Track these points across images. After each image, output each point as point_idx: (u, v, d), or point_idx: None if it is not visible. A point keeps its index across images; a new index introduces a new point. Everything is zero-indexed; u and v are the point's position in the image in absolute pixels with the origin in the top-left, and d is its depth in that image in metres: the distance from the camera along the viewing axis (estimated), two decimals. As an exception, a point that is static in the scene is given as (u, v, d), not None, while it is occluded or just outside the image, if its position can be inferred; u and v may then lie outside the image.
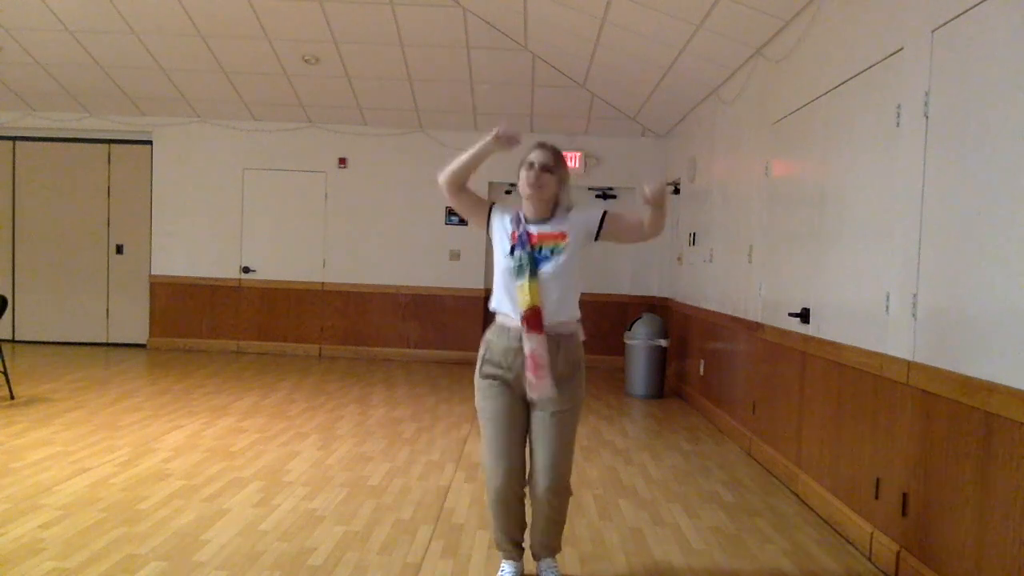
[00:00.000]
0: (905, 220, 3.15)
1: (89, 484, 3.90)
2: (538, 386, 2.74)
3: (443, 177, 2.88)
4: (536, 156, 2.83)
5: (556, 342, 2.79)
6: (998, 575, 2.50)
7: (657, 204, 2.74)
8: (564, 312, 2.81)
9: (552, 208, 2.86)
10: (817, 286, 4.10)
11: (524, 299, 2.74)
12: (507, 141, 2.76)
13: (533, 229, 2.82)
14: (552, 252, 2.80)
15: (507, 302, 2.80)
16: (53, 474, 4.04)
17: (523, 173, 2.84)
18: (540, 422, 2.82)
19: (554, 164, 2.83)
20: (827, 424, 3.90)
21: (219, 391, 6.59)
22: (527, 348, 2.73)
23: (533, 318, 2.73)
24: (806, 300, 4.22)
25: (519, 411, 2.84)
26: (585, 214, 2.88)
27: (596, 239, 2.88)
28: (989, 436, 2.56)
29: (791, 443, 4.40)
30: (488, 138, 2.77)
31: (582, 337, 2.91)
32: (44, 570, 2.87)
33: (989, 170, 2.63)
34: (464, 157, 2.83)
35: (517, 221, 2.84)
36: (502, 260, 2.82)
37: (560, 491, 2.85)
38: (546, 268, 2.77)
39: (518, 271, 2.76)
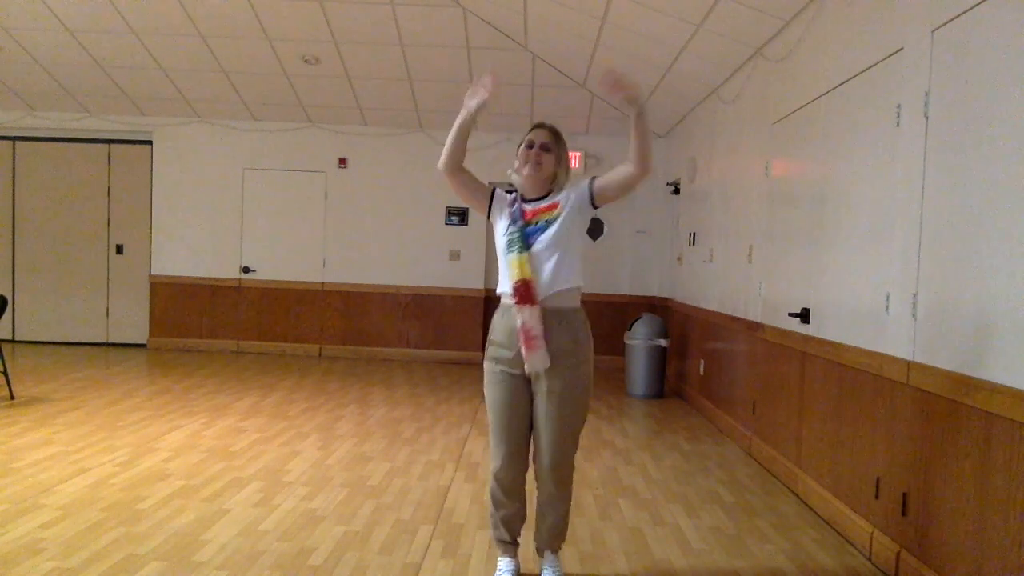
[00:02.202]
0: (905, 220, 3.15)
1: (89, 484, 3.90)
2: (530, 356, 2.74)
3: (441, 159, 2.90)
4: (535, 136, 2.88)
5: (557, 316, 2.78)
6: (998, 575, 2.50)
7: (627, 96, 2.60)
8: (560, 281, 2.78)
9: (549, 188, 2.90)
10: (817, 286, 4.10)
11: (514, 272, 2.78)
12: (484, 89, 2.75)
13: (529, 207, 2.87)
14: (547, 223, 2.82)
15: (506, 281, 2.83)
16: (53, 474, 4.04)
17: (521, 152, 2.89)
18: (543, 402, 2.83)
19: (553, 143, 2.88)
20: (827, 424, 3.90)
21: (219, 391, 6.59)
22: (519, 320, 2.76)
23: (523, 290, 2.76)
24: (806, 300, 4.22)
25: (523, 398, 2.86)
26: (577, 186, 2.91)
27: (595, 204, 2.85)
28: (989, 436, 2.56)
29: (791, 443, 4.40)
30: (466, 101, 2.78)
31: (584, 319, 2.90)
32: (44, 570, 2.87)
33: (989, 170, 2.63)
34: (454, 129, 2.84)
35: (514, 201, 2.90)
36: (500, 239, 2.88)
37: (563, 472, 2.86)
38: (540, 239, 2.80)
39: (508, 246, 2.81)
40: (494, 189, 2.97)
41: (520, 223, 2.83)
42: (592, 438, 5.41)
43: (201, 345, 9.09)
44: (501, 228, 2.89)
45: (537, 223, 2.83)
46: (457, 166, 2.90)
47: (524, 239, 2.80)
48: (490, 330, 2.94)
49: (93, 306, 9.16)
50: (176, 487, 3.92)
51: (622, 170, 2.77)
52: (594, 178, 2.88)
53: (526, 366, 2.77)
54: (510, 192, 2.97)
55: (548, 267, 2.78)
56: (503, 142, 8.71)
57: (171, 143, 9.05)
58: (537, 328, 2.73)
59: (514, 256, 2.80)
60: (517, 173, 2.92)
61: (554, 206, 2.85)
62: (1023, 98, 2.47)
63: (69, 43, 7.46)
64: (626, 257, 8.93)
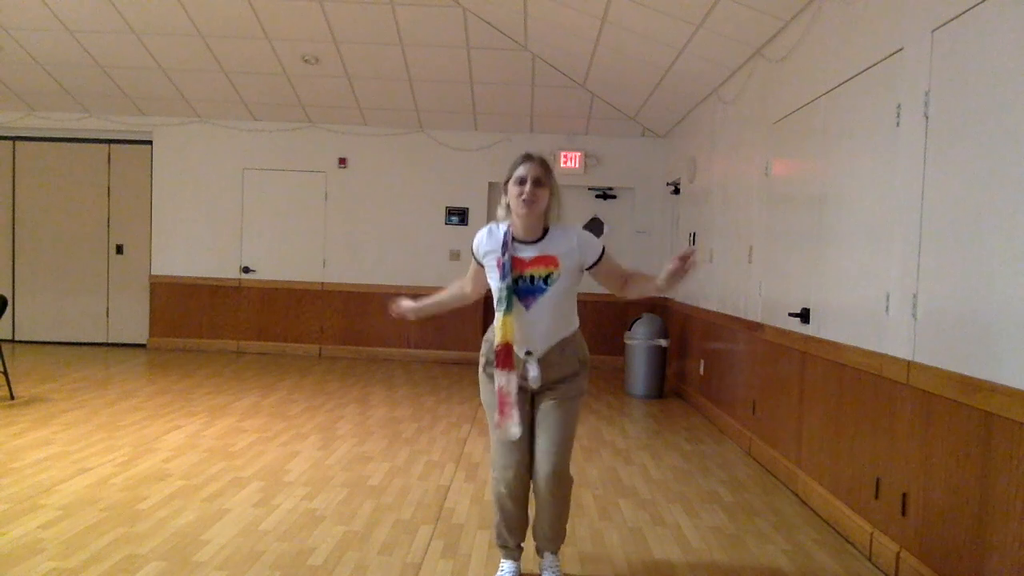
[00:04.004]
0: (905, 220, 3.15)
1: (89, 484, 3.90)
2: (504, 423, 2.68)
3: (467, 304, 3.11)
4: (527, 170, 2.68)
5: (561, 346, 2.80)
6: (998, 575, 2.50)
7: (676, 278, 2.57)
8: (563, 331, 2.80)
9: (543, 224, 2.76)
10: (817, 286, 4.10)
11: (499, 333, 2.70)
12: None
13: (524, 253, 2.72)
14: (546, 281, 2.71)
15: (494, 330, 2.78)
16: (53, 474, 4.04)
17: (513, 189, 2.69)
18: (545, 410, 2.81)
19: (544, 176, 2.69)
20: (827, 424, 3.90)
21: (219, 391, 6.59)
22: (497, 383, 2.70)
23: (504, 355, 2.68)
24: (806, 300, 4.22)
25: (526, 407, 2.84)
26: (581, 243, 2.76)
27: (588, 270, 2.81)
28: (989, 436, 2.56)
29: (791, 443, 4.40)
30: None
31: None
32: (44, 570, 2.87)
33: (989, 170, 2.63)
34: (437, 310, 3.11)
35: (504, 245, 2.73)
36: (493, 285, 2.78)
37: (562, 476, 2.84)
38: (539, 302, 2.71)
39: (498, 302, 2.70)
40: (474, 255, 2.87)
41: (509, 279, 2.68)
42: (592, 438, 5.41)
43: (201, 345, 9.08)
44: (493, 275, 2.76)
45: (533, 281, 2.70)
46: (472, 297, 3.03)
47: (510, 298, 2.68)
48: (488, 347, 2.85)
49: (93, 306, 9.16)
50: (176, 487, 3.92)
51: (620, 283, 2.84)
52: (604, 255, 2.78)
53: (497, 433, 2.74)
54: (500, 223, 2.81)
55: (546, 326, 2.74)
56: (502, 142, 8.72)
57: (171, 143, 9.05)
58: (512, 395, 2.67)
59: (500, 315, 2.68)
60: (507, 211, 2.75)
61: (552, 261, 2.70)
62: (1022, 98, 2.47)
63: (69, 43, 7.46)
64: (626, 257, 8.92)
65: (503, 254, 2.71)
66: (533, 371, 2.76)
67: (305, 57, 7.52)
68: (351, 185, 9.02)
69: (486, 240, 2.81)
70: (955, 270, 2.82)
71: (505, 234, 2.75)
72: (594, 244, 2.80)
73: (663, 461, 4.89)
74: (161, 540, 3.21)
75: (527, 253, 2.73)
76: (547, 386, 2.83)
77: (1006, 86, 2.56)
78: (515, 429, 2.69)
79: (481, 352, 2.93)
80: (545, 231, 2.76)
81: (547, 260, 2.71)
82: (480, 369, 2.93)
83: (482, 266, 2.86)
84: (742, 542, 3.51)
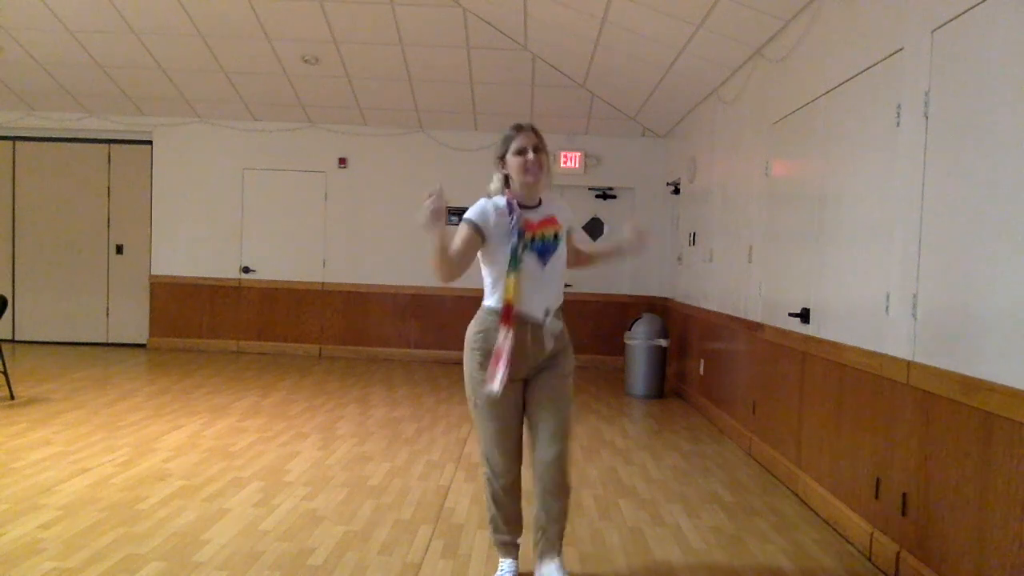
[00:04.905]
0: (905, 220, 3.15)
1: (89, 484, 3.90)
2: (492, 377, 2.68)
3: (441, 278, 2.70)
4: (526, 140, 2.78)
5: (558, 316, 2.89)
6: (998, 575, 2.50)
7: (630, 250, 3.04)
8: (561, 296, 2.91)
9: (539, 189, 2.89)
10: (817, 286, 4.10)
11: (507, 292, 2.72)
12: (430, 202, 2.55)
13: (532, 216, 2.80)
14: (555, 239, 2.83)
15: (498, 296, 2.80)
16: (53, 474, 4.04)
17: (515, 160, 2.78)
18: (543, 393, 2.82)
19: (540, 142, 2.83)
20: (827, 424, 3.90)
21: (219, 391, 6.59)
22: (499, 339, 2.71)
23: (507, 313, 2.74)
24: (806, 300, 4.22)
25: (519, 399, 2.85)
26: (566, 207, 2.97)
27: None
28: (989, 436, 2.56)
29: (791, 443, 4.40)
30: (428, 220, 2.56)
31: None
32: (44, 570, 2.87)
33: (989, 170, 2.63)
34: (435, 250, 2.61)
35: (511, 209, 2.77)
36: (500, 253, 2.75)
37: (568, 457, 2.83)
38: (554, 258, 2.82)
39: (510, 263, 2.71)
40: (477, 225, 2.73)
41: (522, 239, 2.72)
42: (592, 438, 5.41)
43: (201, 345, 9.09)
44: (503, 240, 2.72)
45: (545, 239, 2.80)
46: (457, 265, 2.69)
47: (517, 259, 2.70)
48: (483, 341, 2.79)
49: (93, 306, 9.16)
50: (176, 487, 3.92)
51: (574, 256, 3.03)
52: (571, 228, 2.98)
53: (488, 385, 2.70)
54: (500, 198, 2.81)
55: (556, 285, 2.86)
56: (503, 142, 8.72)
57: (171, 143, 9.05)
58: (509, 352, 2.69)
59: (509, 275, 2.71)
60: (503, 184, 2.83)
61: (555, 222, 2.84)
62: (1022, 98, 2.47)
63: (69, 43, 7.46)
64: (626, 257, 8.92)
65: (511, 215, 2.75)
66: (556, 327, 2.84)
67: (305, 57, 7.52)
68: (351, 185, 9.02)
69: (492, 210, 2.77)
70: (955, 270, 2.82)
71: (508, 203, 2.79)
72: (567, 207, 3.01)
73: (663, 461, 4.89)
74: (161, 540, 3.21)
75: (534, 216, 2.82)
76: (541, 365, 2.83)
77: (1006, 86, 2.56)
78: (495, 387, 2.67)
79: (475, 348, 2.82)
80: (541, 198, 2.90)
81: (551, 221, 2.85)
82: (476, 366, 2.80)
83: (480, 235, 2.73)
84: (742, 542, 3.51)
